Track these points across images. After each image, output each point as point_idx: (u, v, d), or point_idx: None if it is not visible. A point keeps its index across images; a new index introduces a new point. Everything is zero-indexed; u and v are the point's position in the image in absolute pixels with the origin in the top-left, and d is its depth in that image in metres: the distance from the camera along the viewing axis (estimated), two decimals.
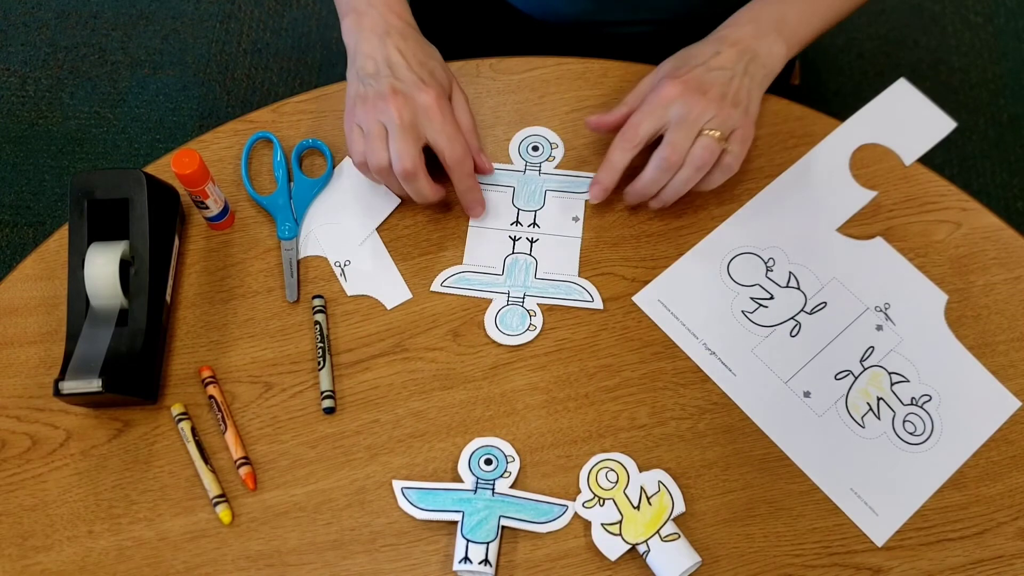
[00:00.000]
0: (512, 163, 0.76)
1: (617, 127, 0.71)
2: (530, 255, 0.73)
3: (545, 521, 0.65)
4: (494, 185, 0.75)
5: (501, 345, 0.70)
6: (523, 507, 0.65)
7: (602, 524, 0.64)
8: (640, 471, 0.66)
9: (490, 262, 0.73)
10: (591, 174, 0.75)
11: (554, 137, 0.77)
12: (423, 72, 0.69)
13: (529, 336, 0.70)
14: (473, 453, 0.67)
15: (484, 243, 0.74)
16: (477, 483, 0.65)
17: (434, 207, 0.75)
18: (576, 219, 0.74)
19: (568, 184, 0.75)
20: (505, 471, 0.66)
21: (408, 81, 0.68)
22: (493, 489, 0.65)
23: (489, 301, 0.72)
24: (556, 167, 0.76)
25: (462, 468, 0.66)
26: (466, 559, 0.63)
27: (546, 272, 0.72)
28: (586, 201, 0.74)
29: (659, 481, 0.65)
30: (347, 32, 0.73)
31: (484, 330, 0.71)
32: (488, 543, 0.63)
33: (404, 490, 0.65)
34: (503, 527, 0.64)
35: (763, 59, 0.71)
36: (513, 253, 0.73)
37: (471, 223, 0.74)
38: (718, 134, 0.68)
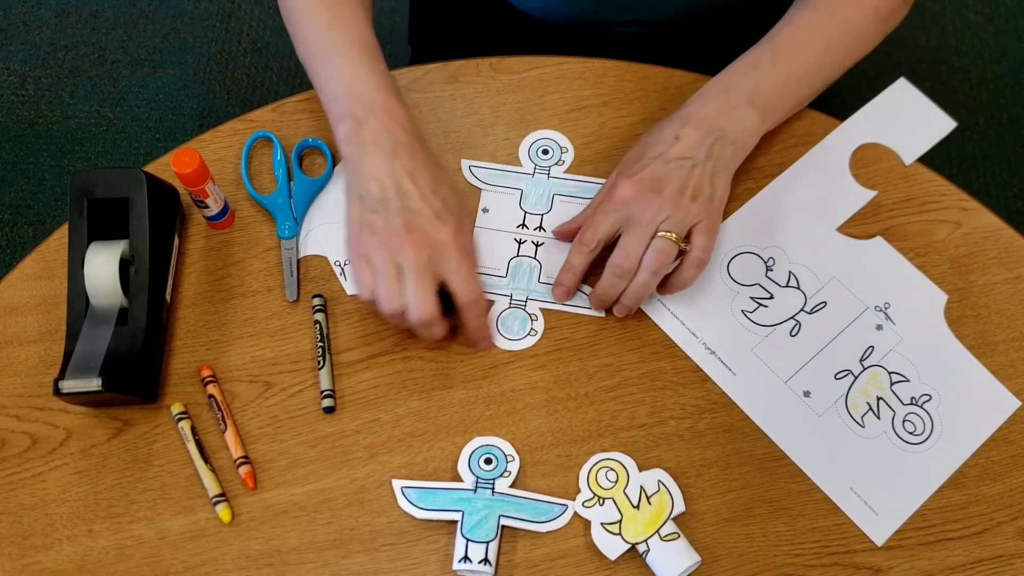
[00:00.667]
0: (521, 165, 0.76)
1: (576, 232, 0.69)
2: (535, 259, 0.73)
3: (545, 520, 0.65)
4: (502, 187, 0.75)
5: (502, 349, 0.70)
6: (523, 506, 0.65)
7: (602, 523, 0.64)
8: (640, 470, 0.66)
9: (494, 264, 0.73)
10: (600, 180, 0.75)
11: (564, 141, 0.77)
12: (437, 203, 0.65)
13: (530, 341, 0.70)
14: (473, 452, 0.67)
15: (489, 245, 0.73)
16: (477, 482, 0.65)
17: None
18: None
19: (576, 189, 0.75)
20: (505, 470, 0.66)
21: (423, 215, 0.64)
22: (493, 488, 0.65)
23: (491, 303, 0.72)
24: (565, 171, 0.76)
25: (462, 467, 0.66)
26: (466, 558, 0.63)
27: (550, 277, 0.72)
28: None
29: (659, 480, 0.65)
30: (345, 142, 0.67)
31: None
32: (488, 542, 0.63)
33: (404, 489, 0.65)
34: (503, 526, 0.64)
35: (732, 135, 0.68)
36: (518, 256, 0.73)
37: (477, 224, 0.74)
38: (673, 236, 0.65)
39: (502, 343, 0.70)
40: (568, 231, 0.72)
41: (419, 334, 0.67)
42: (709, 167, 0.67)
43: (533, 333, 0.71)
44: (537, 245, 0.73)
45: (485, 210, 0.75)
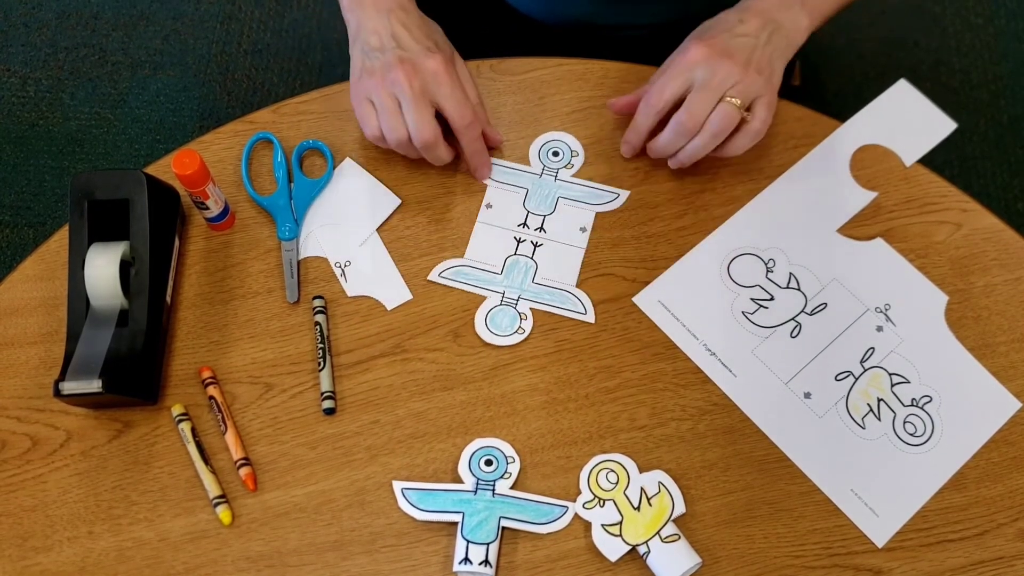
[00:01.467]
0: (530, 165, 0.76)
1: (635, 104, 0.73)
2: (531, 259, 0.73)
3: (545, 522, 0.65)
4: (507, 184, 0.75)
5: (488, 344, 0.70)
6: (523, 508, 0.65)
7: (602, 525, 0.64)
8: (640, 472, 0.65)
9: (491, 259, 0.73)
10: (607, 187, 0.75)
11: (576, 145, 0.77)
12: (428, 42, 0.70)
13: (516, 339, 0.70)
14: (473, 454, 0.67)
15: (488, 239, 0.74)
16: (477, 484, 0.65)
17: (435, 207, 0.75)
18: (583, 229, 0.74)
19: (582, 195, 0.75)
20: (505, 472, 0.66)
21: (414, 50, 0.69)
22: (493, 490, 0.65)
23: (483, 298, 0.72)
24: (573, 175, 0.76)
25: (462, 469, 0.66)
26: (466, 560, 0.63)
27: (544, 278, 0.72)
28: (596, 213, 0.74)
29: (659, 482, 0.65)
30: (348, 9, 0.74)
31: (473, 326, 0.71)
32: (488, 544, 0.63)
33: (404, 491, 0.65)
34: (503, 528, 0.64)
35: (786, 30, 0.71)
36: (515, 254, 0.73)
37: (479, 219, 0.74)
38: (739, 102, 0.68)
39: (489, 339, 0.70)
40: (627, 103, 0.74)
41: (428, 159, 0.73)
42: (769, 50, 0.70)
43: (521, 332, 0.71)
44: (536, 246, 0.73)
45: (488, 206, 0.75)
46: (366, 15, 0.72)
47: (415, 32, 0.71)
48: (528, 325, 0.71)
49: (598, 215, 0.74)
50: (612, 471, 0.66)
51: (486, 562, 0.63)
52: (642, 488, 0.65)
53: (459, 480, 0.66)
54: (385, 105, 0.69)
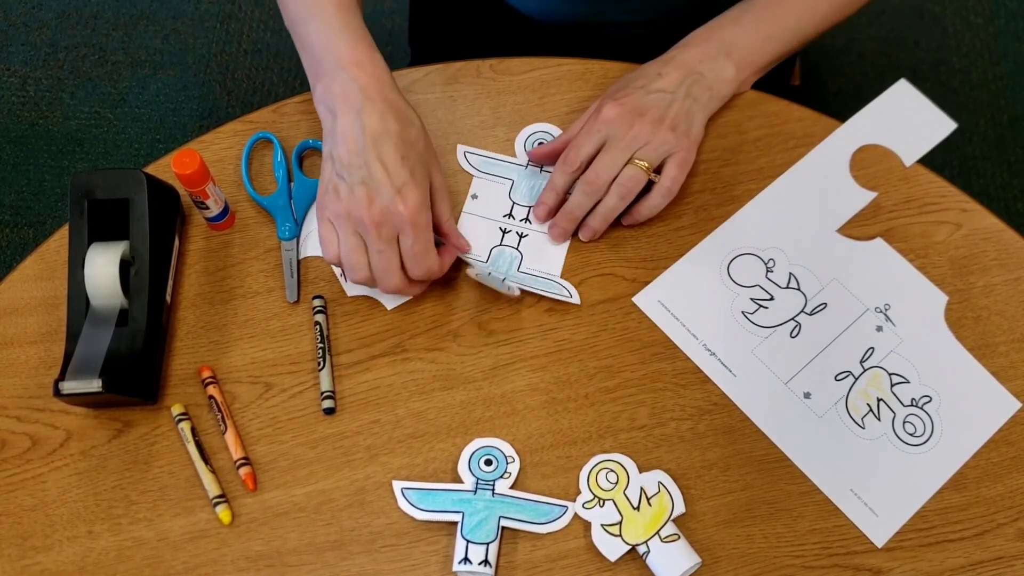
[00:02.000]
0: (516, 157, 0.76)
1: (558, 154, 0.72)
2: (516, 249, 0.73)
3: (545, 522, 0.65)
4: (493, 176, 0.76)
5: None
6: (523, 508, 0.65)
7: (602, 525, 0.64)
8: (640, 472, 0.65)
9: (476, 250, 0.73)
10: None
11: (559, 133, 0.77)
12: (401, 174, 0.64)
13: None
14: (473, 454, 0.67)
15: (474, 231, 0.74)
16: (477, 484, 0.65)
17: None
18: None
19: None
20: (505, 472, 0.66)
21: (384, 189, 0.63)
22: (493, 490, 0.65)
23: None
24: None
25: (462, 469, 0.66)
26: (466, 559, 0.63)
27: (530, 267, 0.72)
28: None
29: (659, 482, 0.65)
30: (319, 102, 0.67)
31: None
32: (488, 544, 0.63)
33: (404, 491, 0.65)
34: (503, 528, 0.64)
35: (708, 81, 0.72)
36: (500, 245, 0.73)
37: (464, 209, 0.74)
38: (646, 164, 0.69)
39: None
40: (547, 153, 0.74)
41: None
42: (688, 104, 0.71)
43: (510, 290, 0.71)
44: (521, 236, 0.73)
45: (474, 196, 0.75)
46: (338, 113, 0.65)
47: (388, 153, 0.64)
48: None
49: None
50: (612, 471, 0.66)
51: (486, 562, 0.63)
52: (642, 488, 0.65)
53: (459, 480, 0.66)
54: (349, 241, 0.65)
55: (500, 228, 0.74)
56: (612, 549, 0.63)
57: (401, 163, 0.64)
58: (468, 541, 0.63)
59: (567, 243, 0.73)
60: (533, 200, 0.75)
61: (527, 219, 0.74)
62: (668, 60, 0.72)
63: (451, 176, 0.76)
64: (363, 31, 0.69)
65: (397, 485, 0.66)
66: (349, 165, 0.64)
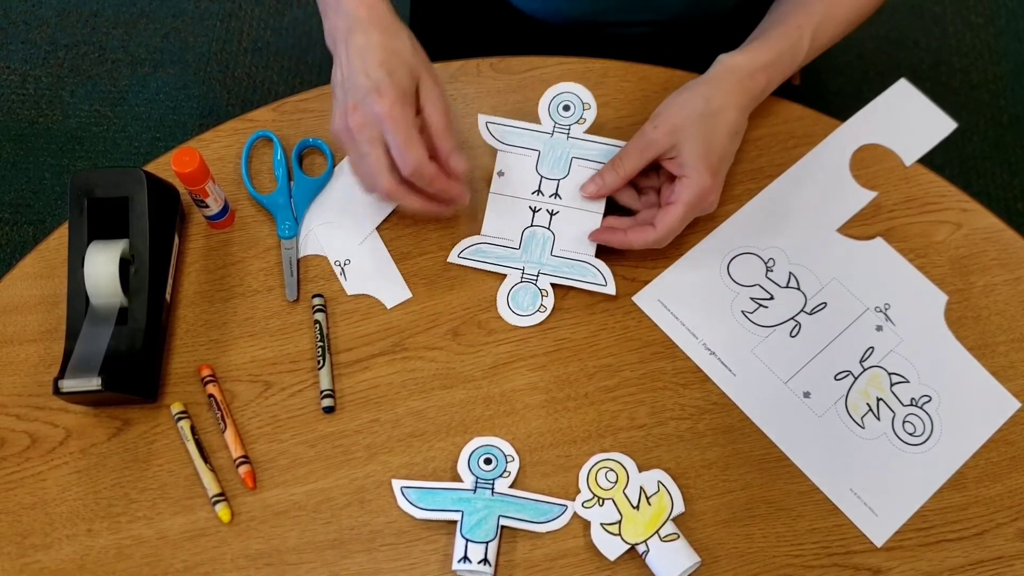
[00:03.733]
0: (541, 123, 0.74)
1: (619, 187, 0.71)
2: (548, 228, 0.72)
3: (544, 521, 0.65)
4: (518, 148, 0.74)
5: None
6: (522, 507, 0.65)
7: (601, 524, 0.64)
8: (640, 471, 0.65)
9: (508, 234, 0.72)
10: (621, 142, 0.73)
11: (587, 96, 0.74)
12: (379, 74, 0.65)
13: (539, 317, 0.70)
14: (472, 452, 0.67)
15: (504, 213, 0.73)
16: (476, 483, 0.65)
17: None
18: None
19: (596, 153, 0.73)
20: (504, 471, 0.66)
21: (362, 90, 0.64)
22: (492, 489, 0.65)
23: (503, 277, 0.72)
24: (586, 131, 0.74)
25: (461, 467, 0.66)
26: (465, 558, 0.63)
27: (563, 249, 0.72)
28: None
29: (659, 481, 0.65)
30: (327, 38, 0.70)
31: (495, 308, 0.71)
32: (487, 543, 0.63)
33: (403, 489, 0.65)
34: (502, 527, 0.64)
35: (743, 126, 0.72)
36: (532, 226, 0.72)
37: (492, 189, 0.73)
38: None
39: (512, 320, 0.70)
40: (602, 191, 0.72)
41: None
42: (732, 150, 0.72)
43: (543, 309, 0.71)
44: (552, 214, 0.72)
45: (500, 173, 0.73)
46: (337, 42, 0.68)
47: (369, 61, 0.65)
48: (549, 303, 0.71)
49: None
50: (611, 470, 0.66)
51: (485, 560, 0.63)
52: (641, 487, 0.65)
53: (458, 478, 0.66)
54: (351, 155, 0.67)
55: (530, 207, 0.72)
56: (611, 548, 0.63)
57: (379, 67, 0.65)
58: (467, 540, 0.63)
59: (599, 219, 0.72)
60: (561, 171, 0.73)
61: (556, 194, 0.73)
62: (743, 111, 0.71)
63: (474, 150, 0.75)
64: None
65: (397, 484, 0.66)
66: (340, 81, 0.67)
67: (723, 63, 0.71)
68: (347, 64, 0.66)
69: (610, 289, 0.71)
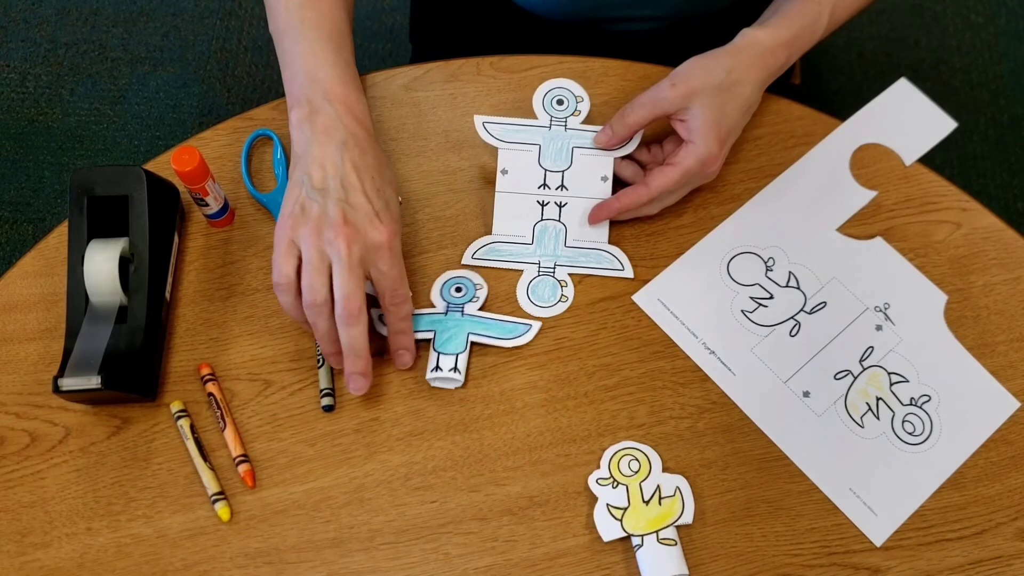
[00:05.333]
0: (537, 118, 0.74)
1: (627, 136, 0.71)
2: (559, 221, 0.72)
3: (511, 337, 0.69)
4: (518, 144, 0.73)
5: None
6: (489, 325, 0.69)
7: (608, 504, 0.64)
8: (664, 470, 0.65)
9: (519, 231, 0.72)
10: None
11: (579, 90, 0.75)
12: (379, 202, 0.64)
13: (561, 307, 0.71)
14: (444, 283, 0.71)
15: (513, 210, 0.72)
16: (448, 307, 0.70)
17: (435, 205, 0.75)
18: (605, 179, 0.72)
19: (594, 164, 0.73)
20: (473, 296, 0.70)
21: (362, 211, 0.62)
22: (462, 311, 0.70)
23: (520, 273, 0.72)
24: (582, 122, 0.73)
25: (434, 295, 0.71)
26: (437, 367, 0.68)
27: (576, 239, 0.72)
28: (614, 159, 0.72)
29: (677, 487, 0.65)
30: (295, 127, 0.66)
31: (516, 302, 0.71)
32: (457, 354, 0.68)
33: (381, 318, 0.69)
34: (472, 343, 0.69)
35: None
36: (542, 220, 0.72)
37: (498, 188, 0.72)
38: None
39: (535, 312, 0.71)
40: (611, 140, 0.72)
41: (342, 338, 0.63)
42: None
43: (564, 300, 0.71)
44: (560, 206, 0.72)
45: (504, 171, 0.73)
46: (316, 142, 0.64)
47: (367, 184, 0.63)
48: (570, 292, 0.71)
49: (619, 183, 0.73)
50: (636, 459, 0.66)
51: (455, 369, 0.67)
52: (659, 485, 0.65)
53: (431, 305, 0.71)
54: (312, 261, 0.61)
55: (538, 201, 0.72)
56: (609, 530, 0.63)
57: (378, 194, 0.64)
58: (439, 353, 0.68)
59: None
60: (564, 162, 0.72)
61: (562, 185, 0.72)
62: (759, 87, 0.70)
63: (465, 184, 0.75)
64: (353, 66, 0.70)
65: (374, 313, 0.68)
66: (324, 188, 0.63)
67: (746, 36, 0.70)
68: (338, 172, 0.63)
69: (627, 273, 0.71)
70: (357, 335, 0.63)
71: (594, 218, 0.71)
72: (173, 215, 0.72)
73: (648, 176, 0.69)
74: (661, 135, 0.73)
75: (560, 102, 0.74)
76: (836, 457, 0.67)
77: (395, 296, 0.65)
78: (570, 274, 0.72)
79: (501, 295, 0.72)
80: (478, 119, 0.73)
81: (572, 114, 0.74)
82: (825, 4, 0.72)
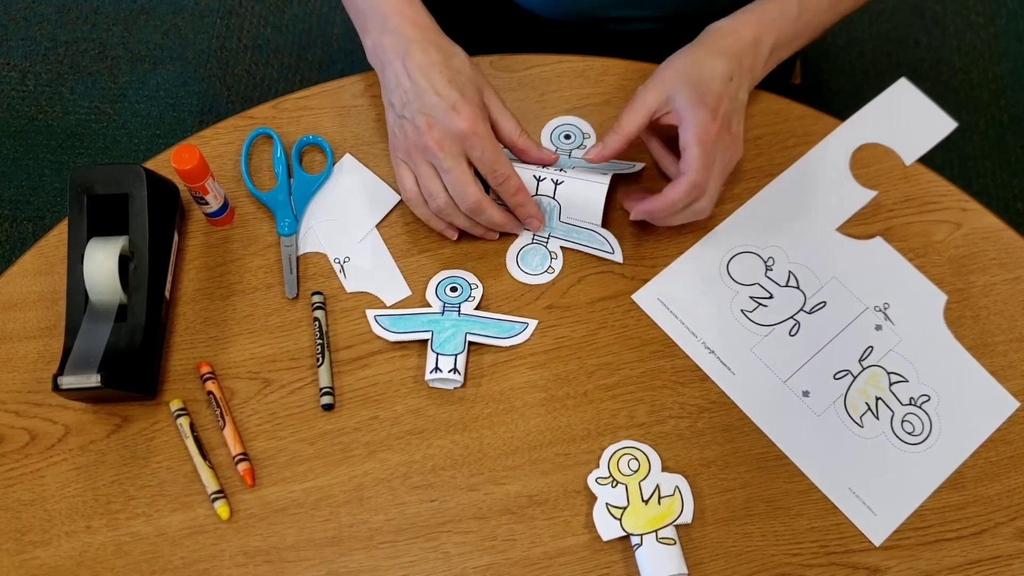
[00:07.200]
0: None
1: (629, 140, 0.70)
2: (553, 198, 0.72)
3: (507, 336, 0.69)
4: (519, 162, 0.73)
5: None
6: (487, 324, 0.70)
7: (607, 503, 0.64)
8: (663, 469, 0.66)
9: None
10: (622, 161, 0.74)
11: (587, 128, 0.76)
12: (452, 94, 0.66)
13: (547, 278, 0.72)
14: (439, 283, 0.71)
15: None
16: (444, 307, 0.70)
17: None
18: (604, 172, 0.71)
19: (598, 168, 0.72)
20: (469, 296, 0.70)
21: (439, 109, 0.66)
22: (459, 311, 0.70)
23: (514, 238, 0.73)
24: (584, 157, 0.73)
25: (430, 295, 0.71)
26: (436, 369, 0.67)
27: (570, 216, 0.72)
28: (613, 176, 0.72)
29: (676, 486, 0.65)
30: (370, 55, 0.71)
31: (504, 267, 0.72)
32: (456, 355, 0.68)
33: (377, 317, 0.69)
34: (470, 342, 0.69)
35: (754, 84, 0.72)
36: (536, 195, 0.72)
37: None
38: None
39: (521, 277, 0.72)
40: (611, 150, 0.70)
41: (482, 224, 0.70)
42: (743, 110, 0.71)
43: (551, 271, 0.72)
44: (556, 184, 0.71)
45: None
46: (387, 62, 0.69)
47: (436, 80, 0.66)
48: (558, 265, 0.72)
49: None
50: (635, 458, 0.66)
51: (454, 370, 0.67)
52: (658, 485, 0.65)
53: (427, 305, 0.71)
54: (422, 171, 0.68)
55: (534, 176, 0.71)
56: (608, 529, 0.63)
57: (449, 85, 0.66)
58: (438, 354, 0.68)
59: (604, 191, 0.70)
60: (563, 175, 0.71)
61: (561, 167, 0.72)
62: (736, 61, 0.69)
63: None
64: None
65: (370, 313, 0.70)
66: (404, 103, 0.67)
67: (707, 28, 0.72)
68: (410, 83, 0.67)
69: (617, 257, 0.72)
70: (491, 216, 0.69)
71: (636, 214, 0.70)
72: (173, 214, 0.72)
73: (678, 169, 0.68)
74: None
75: (567, 136, 0.76)
76: (835, 457, 0.67)
77: (496, 176, 0.67)
78: (562, 247, 0.72)
79: (501, 294, 0.72)
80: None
81: (577, 147, 0.76)
82: None
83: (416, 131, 0.67)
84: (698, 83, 0.68)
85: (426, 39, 0.68)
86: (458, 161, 0.66)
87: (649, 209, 0.69)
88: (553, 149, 0.75)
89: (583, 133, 0.76)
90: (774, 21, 0.72)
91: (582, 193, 0.71)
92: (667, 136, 0.72)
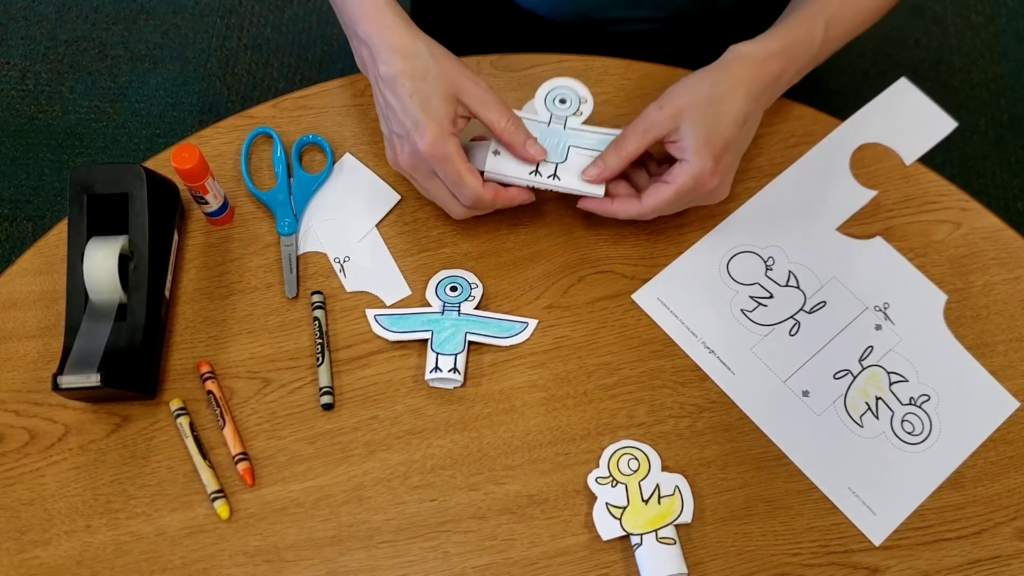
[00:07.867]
0: (537, 114, 0.72)
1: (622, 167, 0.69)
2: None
3: (507, 336, 0.69)
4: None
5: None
6: (486, 324, 0.70)
7: (607, 503, 0.64)
8: (663, 469, 0.65)
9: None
10: (617, 130, 0.70)
11: (584, 92, 0.73)
12: (413, 108, 0.64)
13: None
14: (439, 283, 0.71)
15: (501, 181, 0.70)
16: (444, 306, 0.70)
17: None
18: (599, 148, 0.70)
19: (595, 142, 0.70)
20: (469, 295, 0.71)
21: (405, 129, 0.65)
22: (459, 311, 0.70)
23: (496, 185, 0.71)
24: (583, 123, 0.72)
25: (429, 295, 0.71)
26: (436, 368, 0.68)
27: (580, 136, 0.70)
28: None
29: (676, 486, 0.65)
30: (356, 60, 0.73)
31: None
32: (456, 354, 0.68)
33: (376, 317, 0.70)
34: (470, 342, 0.69)
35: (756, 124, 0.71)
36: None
37: (486, 171, 0.69)
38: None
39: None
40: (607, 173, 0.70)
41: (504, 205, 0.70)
42: (744, 148, 0.71)
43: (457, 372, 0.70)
44: (550, 178, 0.69)
45: (496, 152, 0.70)
46: (365, 71, 0.71)
47: (402, 95, 0.65)
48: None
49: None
50: (635, 458, 0.66)
51: (454, 369, 0.67)
52: (658, 484, 0.65)
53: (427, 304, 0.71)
54: (420, 187, 0.70)
55: (529, 187, 0.69)
56: (608, 529, 0.63)
57: (410, 100, 0.65)
58: (438, 353, 0.68)
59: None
60: (559, 156, 0.70)
61: (555, 175, 0.69)
62: (754, 100, 0.68)
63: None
64: None
65: (370, 313, 0.70)
66: (384, 118, 0.69)
67: (734, 51, 0.69)
68: (383, 99, 0.68)
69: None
70: (501, 203, 0.69)
71: (583, 204, 0.70)
72: (173, 213, 0.72)
73: (644, 192, 0.68)
74: (661, 157, 0.72)
75: (563, 101, 0.73)
76: (835, 456, 0.67)
77: (463, 198, 0.67)
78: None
79: (501, 294, 0.72)
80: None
81: (574, 113, 0.72)
82: (819, 17, 0.71)
83: (393, 153, 0.68)
84: (713, 124, 0.66)
85: (387, 44, 0.66)
86: (432, 181, 0.68)
87: (594, 208, 0.70)
88: (548, 116, 0.72)
89: (579, 98, 0.73)
90: (797, 50, 0.70)
91: (574, 199, 0.70)
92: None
